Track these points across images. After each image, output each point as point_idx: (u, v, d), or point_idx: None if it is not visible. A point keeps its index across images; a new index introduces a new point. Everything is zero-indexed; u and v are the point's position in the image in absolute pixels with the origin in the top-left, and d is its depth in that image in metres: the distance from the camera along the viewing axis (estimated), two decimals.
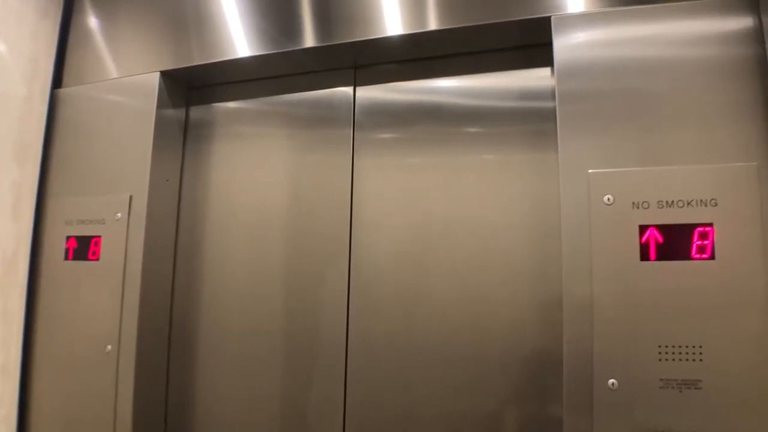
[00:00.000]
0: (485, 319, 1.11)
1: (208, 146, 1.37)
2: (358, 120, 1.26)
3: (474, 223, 1.14)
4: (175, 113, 1.34)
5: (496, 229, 1.12)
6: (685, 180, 0.97)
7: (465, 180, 1.16)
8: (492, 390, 1.10)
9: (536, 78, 1.15)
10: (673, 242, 0.97)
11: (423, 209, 1.18)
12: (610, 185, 1.01)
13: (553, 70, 1.04)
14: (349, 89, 1.28)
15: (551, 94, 1.09)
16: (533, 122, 1.14)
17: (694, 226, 0.96)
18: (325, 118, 1.28)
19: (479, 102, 1.19)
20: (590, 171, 1.01)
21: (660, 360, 0.95)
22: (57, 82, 1.42)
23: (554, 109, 1.02)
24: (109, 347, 1.19)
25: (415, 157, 1.21)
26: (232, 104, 1.38)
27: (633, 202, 0.99)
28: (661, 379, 0.95)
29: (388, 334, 1.16)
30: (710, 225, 0.95)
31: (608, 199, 1.00)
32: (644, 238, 0.98)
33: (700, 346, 0.94)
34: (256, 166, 1.32)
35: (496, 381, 1.09)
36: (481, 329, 1.11)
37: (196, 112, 1.40)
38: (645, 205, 0.99)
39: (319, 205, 1.25)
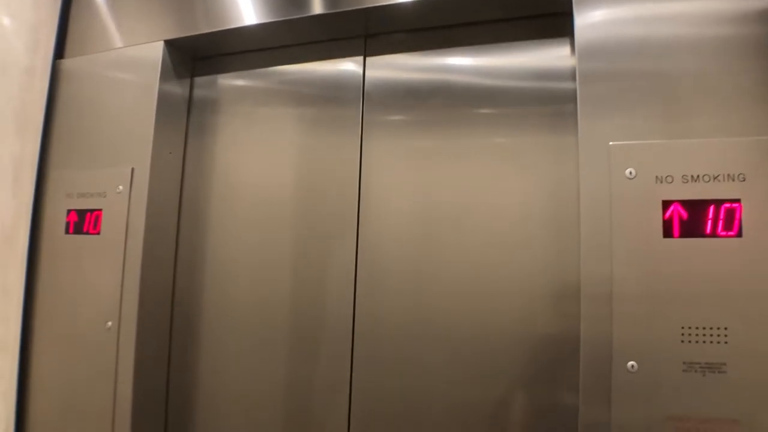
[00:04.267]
0: (496, 304, 1.07)
1: (213, 118, 1.33)
2: (368, 91, 1.21)
3: (486, 206, 1.09)
4: (179, 84, 1.30)
5: (509, 211, 1.08)
6: (712, 153, 0.93)
7: (478, 162, 1.11)
8: (504, 376, 1.06)
9: (555, 57, 1.10)
10: (698, 218, 0.93)
11: (433, 190, 1.13)
12: (632, 158, 0.96)
13: (572, 44, 0.99)
14: (358, 69, 1.22)
15: (570, 74, 1.05)
16: (551, 103, 1.09)
17: (721, 201, 0.91)
18: (333, 96, 1.24)
19: (494, 82, 1.14)
20: (611, 143, 0.96)
21: (683, 342, 0.91)
22: (59, 52, 1.39)
23: (573, 89, 0.97)
24: (110, 323, 1.16)
25: (425, 139, 1.16)
26: (237, 75, 1.33)
27: (656, 176, 0.95)
28: (683, 362, 0.91)
29: (396, 318, 1.12)
30: (737, 201, 0.90)
31: (630, 173, 0.96)
32: (668, 214, 0.94)
33: (725, 328, 0.89)
34: (263, 140, 1.28)
35: (508, 366, 1.06)
36: (491, 315, 1.07)
37: (201, 84, 1.36)
38: (669, 179, 0.94)
39: (327, 175, 1.21)
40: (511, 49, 1.14)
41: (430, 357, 1.09)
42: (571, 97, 1.01)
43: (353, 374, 1.13)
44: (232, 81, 1.34)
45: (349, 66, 1.24)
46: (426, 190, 1.14)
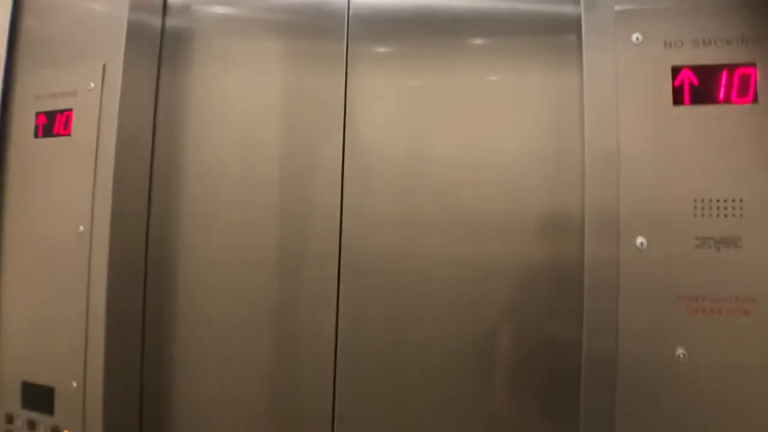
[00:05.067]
0: (491, 243, 1.00)
1: (190, 31, 1.22)
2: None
3: (483, 142, 1.02)
4: None
5: (507, 150, 1.01)
6: (725, 15, 0.87)
7: (475, 97, 1.04)
8: (496, 308, 1.00)
9: None
10: (711, 85, 0.88)
11: (428, 120, 1.06)
12: (639, 22, 0.91)
13: None
14: None
15: None
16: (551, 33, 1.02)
17: (734, 66, 0.86)
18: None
19: (490, 3, 1.06)
20: (617, 8, 0.91)
21: (695, 216, 0.86)
22: None
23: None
24: (82, 228, 1.08)
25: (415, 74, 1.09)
26: None
27: (665, 41, 0.89)
28: (696, 237, 0.85)
29: (385, 260, 1.04)
30: (752, 65, 0.85)
31: (637, 38, 0.91)
32: (678, 81, 0.89)
33: (741, 200, 0.84)
34: (245, 53, 1.18)
35: (500, 299, 1.00)
36: (483, 249, 1.00)
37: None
38: (678, 44, 0.89)
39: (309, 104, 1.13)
40: None
41: (420, 294, 1.02)
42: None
43: (339, 316, 1.06)
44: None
45: None
46: (421, 114, 1.06)
